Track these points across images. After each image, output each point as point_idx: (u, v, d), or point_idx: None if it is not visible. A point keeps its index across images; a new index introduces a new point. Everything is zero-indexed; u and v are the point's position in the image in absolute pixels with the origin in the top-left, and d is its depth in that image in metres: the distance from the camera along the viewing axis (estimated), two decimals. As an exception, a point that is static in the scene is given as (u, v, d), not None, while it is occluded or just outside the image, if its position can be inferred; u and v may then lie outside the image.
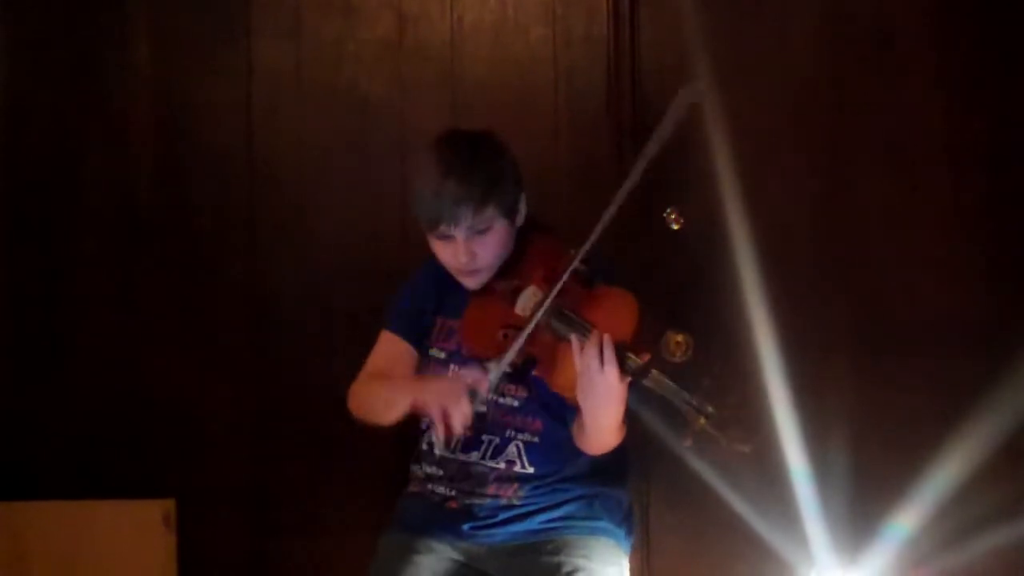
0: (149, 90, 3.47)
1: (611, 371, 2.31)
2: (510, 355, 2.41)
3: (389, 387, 2.59)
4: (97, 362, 3.46)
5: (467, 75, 3.34)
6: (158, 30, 3.47)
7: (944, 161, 3.21)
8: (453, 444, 2.55)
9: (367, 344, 2.68)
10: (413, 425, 2.69)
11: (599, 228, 2.41)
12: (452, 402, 2.39)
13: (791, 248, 3.23)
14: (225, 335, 3.45)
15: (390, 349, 2.67)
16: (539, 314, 2.41)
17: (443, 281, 2.62)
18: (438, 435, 2.45)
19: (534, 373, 2.48)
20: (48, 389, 3.47)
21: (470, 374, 2.45)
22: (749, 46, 3.25)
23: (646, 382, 2.33)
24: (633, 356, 2.33)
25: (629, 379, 2.33)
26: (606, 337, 2.31)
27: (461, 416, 2.39)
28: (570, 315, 2.40)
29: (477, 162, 2.49)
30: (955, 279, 3.22)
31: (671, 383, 2.31)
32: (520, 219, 2.59)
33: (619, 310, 2.37)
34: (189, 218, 3.46)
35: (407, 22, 3.38)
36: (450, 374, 2.59)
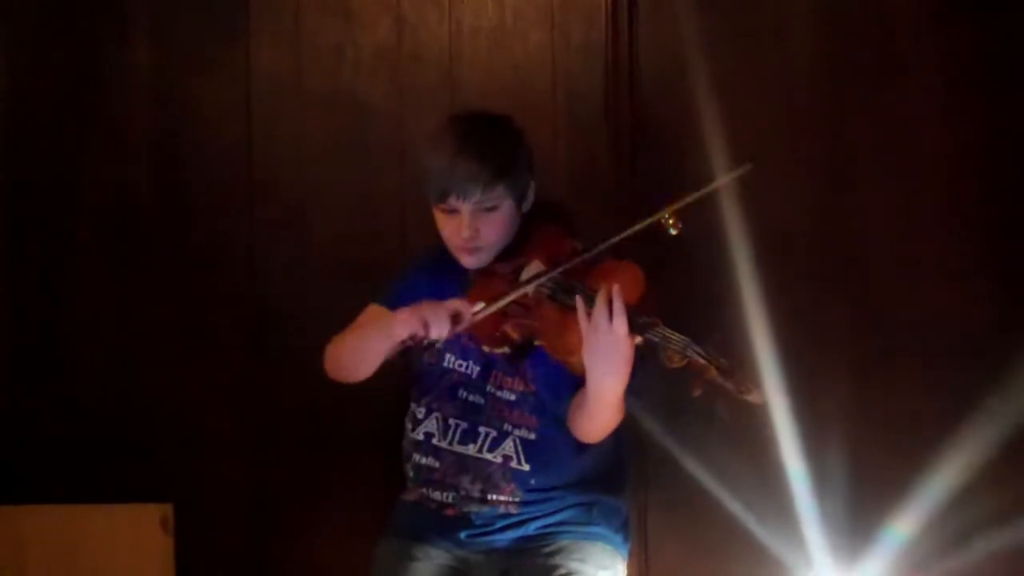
0: (149, 91, 3.47)
1: (620, 324, 2.27)
2: (504, 301, 2.40)
3: (361, 332, 2.58)
4: (95, 364, 3.46)
5: (466, 80, 3.33)
6: (158, 31, 3.47)
7: (944, 162, 3.20)
8: (434, 349, 2.54)
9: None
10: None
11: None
12: (428, 312, 2.37)
13: (790, 251, 3.23)
14: (224, 337, 3.45)
15: (372, 318, 2.63)
16: (542, 278, 2.41)
17: (442, 269, 2.63)
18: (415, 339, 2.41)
19: (536, 343, 2.45)
20: (46, 392, 3.47)
21: (453, 302, 2.42)
22: (747, 50, 3.24)
23: (655, 338, 2.29)
24: (642, 316, 2.30)
25: (638, 338, 2.30)
26: (615, 288, 2.29)
27: (438, 325, 2.36)
28: (575, 284, 2.39)
29: (494, 140, 2.53)
30: (955, 281, 3.21)
31: (680, 336, 2.28)
32: (527, 206, 2.61)
33: (626, 278, 2.36)
34: (188, 219, 3.46)
35: (406, 27, 3.37)
36: (445, 365, 2.62)
